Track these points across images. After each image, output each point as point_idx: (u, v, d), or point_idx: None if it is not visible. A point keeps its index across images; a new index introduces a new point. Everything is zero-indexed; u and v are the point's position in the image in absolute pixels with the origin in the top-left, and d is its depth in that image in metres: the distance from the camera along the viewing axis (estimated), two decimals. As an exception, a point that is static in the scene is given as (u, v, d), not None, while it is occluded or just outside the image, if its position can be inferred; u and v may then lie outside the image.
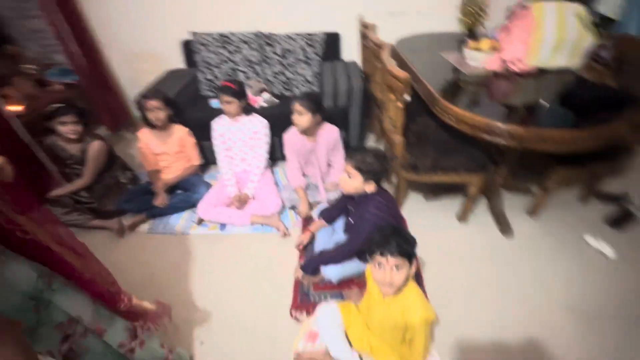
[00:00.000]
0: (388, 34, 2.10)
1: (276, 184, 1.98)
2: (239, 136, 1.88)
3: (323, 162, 1.87)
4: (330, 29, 2.39)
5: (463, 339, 1.25)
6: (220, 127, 1.87)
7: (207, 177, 2.18)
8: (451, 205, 1.85)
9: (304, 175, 1.89)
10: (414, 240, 0.96)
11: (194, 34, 2.28)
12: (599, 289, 1.41)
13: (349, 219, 1.43)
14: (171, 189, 1.95)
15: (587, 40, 1.60)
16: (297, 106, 1.63)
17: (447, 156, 1.54)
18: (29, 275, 0.73)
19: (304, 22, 2.41)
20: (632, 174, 2.02)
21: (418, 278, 1.46)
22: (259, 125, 1.87)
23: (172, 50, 2.53)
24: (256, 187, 1.87)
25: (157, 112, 1.79)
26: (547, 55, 1.63)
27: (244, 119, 1.86)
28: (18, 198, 0.74)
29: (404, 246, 0.93)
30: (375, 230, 0.99)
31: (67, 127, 1.70)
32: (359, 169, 1.21)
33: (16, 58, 2.43)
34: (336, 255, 1.33)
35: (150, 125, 1.85)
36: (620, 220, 1.69)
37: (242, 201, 1.80)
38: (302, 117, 1.64)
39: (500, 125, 1.21)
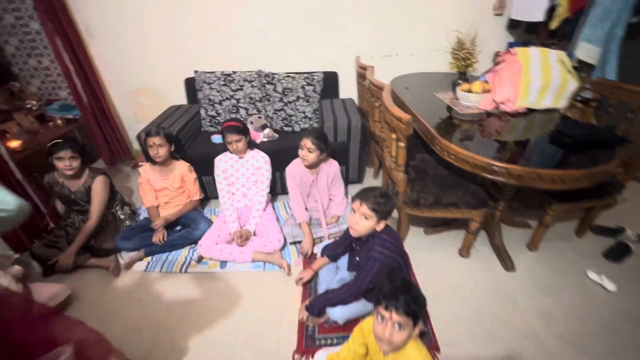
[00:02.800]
0: (382, 73, 2.20)
1: (277, 219, 1.98)
2: (242, 172, 1.90)
3: (324, 194, 1.89)
4: (329, 68, 2.51)
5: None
6: (222, 164, 1.89)
7: (206, 212, 2.16)
8: (452, 238, 1.87)
9: (306, 209, 1.89)
10: (424, 300, 0.92)
11: (197, 72, 2.37)
12: (599, 322, 1.41)
13: (355, 257, 1.43)
14: (171, 224, 1.92)
15: (570, 83, 1.72)
16: (309, 143, 1.68)
17: (447, 192, 1.58)
18: None
19: (304, 62, 2.53)
20: (625, 208, 2.09)
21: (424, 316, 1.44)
22: (261, 161, 1.90)
23: (174, 87, 2.60)
24: (258, 222, 1.86)
25: (158, 148, 1.80)
26: (535, 97, 1.74)
27: (248, 154, 1.89)
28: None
29: (411, 305, 0.87)
30: (385, 278, 0.96)
31: (63, 163, 1.67)
32: (374, 210, 1.20)
33: (18, 94, 2.46)
34: (343, 295, 1.30)
35: (152, 161, 1.86)
36: (617, 253, 1.72)
37: (244, 237, 1.78)
38: (311, 154, 1.70)
39: (500, 164, 1.26)
